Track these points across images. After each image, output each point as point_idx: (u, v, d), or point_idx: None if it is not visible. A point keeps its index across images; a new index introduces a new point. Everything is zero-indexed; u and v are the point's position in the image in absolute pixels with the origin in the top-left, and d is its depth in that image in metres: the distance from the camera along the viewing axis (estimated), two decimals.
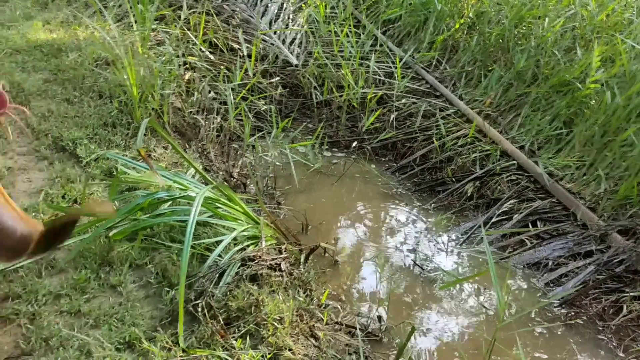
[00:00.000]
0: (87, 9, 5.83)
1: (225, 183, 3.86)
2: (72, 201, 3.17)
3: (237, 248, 2.88)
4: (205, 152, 4.07)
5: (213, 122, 4.32)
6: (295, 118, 5.22)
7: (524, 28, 5.18)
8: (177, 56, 4.53)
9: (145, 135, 3.80)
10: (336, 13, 5.97)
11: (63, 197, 3.19)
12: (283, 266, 2.90)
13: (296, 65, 5.51)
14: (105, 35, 4.48)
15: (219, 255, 2.81)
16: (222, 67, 5.20)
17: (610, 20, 4.80)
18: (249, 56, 5.37)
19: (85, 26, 5.32)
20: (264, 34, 5.88)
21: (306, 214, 3.79)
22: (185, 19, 5.82)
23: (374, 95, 4.96)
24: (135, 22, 5.06)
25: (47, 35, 5.07)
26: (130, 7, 5.23)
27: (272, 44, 5.74)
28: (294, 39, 5.92)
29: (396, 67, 5.24)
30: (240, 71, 4.74)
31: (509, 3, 5.27)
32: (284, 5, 6.41)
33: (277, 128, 4.28)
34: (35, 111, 3.95)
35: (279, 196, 4.09)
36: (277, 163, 4.28)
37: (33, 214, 3.03)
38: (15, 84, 4.25)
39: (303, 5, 6.35)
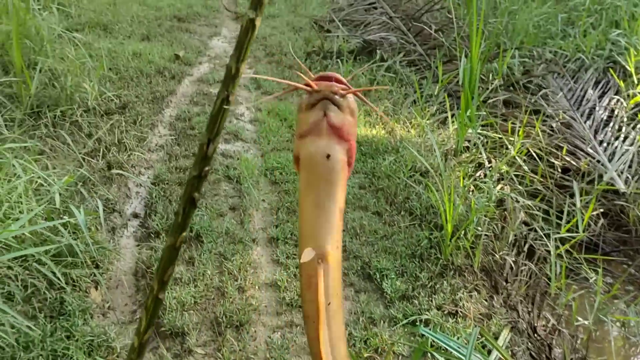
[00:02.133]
0: (407, 98, 5.91)
1: (529, 345, 3.46)
2: (373, 350, 3.11)
3: None
4: (510, 299, 3.71)
5: (523, 264, 3.93)
6: (612, 257, 4.54)
7: None
8: (495, 183, 4.25)
9: (453, 277, 3.61)
10: None
11: (365, 342, 3.15)
12: None
13: (623, 193, 4.80)
14: (417, 141, 4.43)
15: None
16: (538, 181, 4.79)
17: None
18: (576, 175, 4.85)
19: (402, 122, 5.39)
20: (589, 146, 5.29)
21: None
22: (501, 117, 5.54)
23: None
24: (455, 128, 4.95)
25: (367, 130, 5.24)
26: (452, 113, 5.14)
27: (598, 161, 5.11)
28: (623, 156, 5.19)
29: None
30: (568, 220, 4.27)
31: None
32: (616, 112, 5.70)
33: (601, 296, 3.72)
34: (348, 225, 4.05)
35: None
36: (592, 327, 3.70)
37: None
38: None
39: (639, 114, 5.56)
